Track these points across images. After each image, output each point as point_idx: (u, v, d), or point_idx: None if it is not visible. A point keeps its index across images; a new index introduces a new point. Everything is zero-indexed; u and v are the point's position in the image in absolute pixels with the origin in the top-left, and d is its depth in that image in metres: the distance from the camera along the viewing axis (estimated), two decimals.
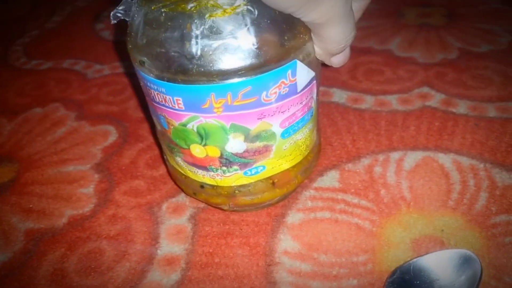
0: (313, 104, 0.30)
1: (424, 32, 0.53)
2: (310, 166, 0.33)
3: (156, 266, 0.31)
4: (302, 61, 0.26)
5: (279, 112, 0.27)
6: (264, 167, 0.29)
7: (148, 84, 0.27)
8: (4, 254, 0.33)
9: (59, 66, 0.57)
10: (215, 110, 0.26)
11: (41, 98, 0.51)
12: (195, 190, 0.32)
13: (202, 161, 0.29)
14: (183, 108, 0.26)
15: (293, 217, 0.33)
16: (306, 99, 0.28)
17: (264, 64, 0.24)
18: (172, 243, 0.32)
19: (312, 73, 0.28)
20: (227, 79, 0.24)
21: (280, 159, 0.29)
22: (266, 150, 0.28)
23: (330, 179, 0.35)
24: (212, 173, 0.29)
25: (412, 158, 0.36)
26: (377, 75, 0.46)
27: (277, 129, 0.27)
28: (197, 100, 0.25)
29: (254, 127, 0.27)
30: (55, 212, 0.36)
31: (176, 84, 0.25)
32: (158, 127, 0.31)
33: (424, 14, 0.57)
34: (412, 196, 0.33)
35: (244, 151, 0.28)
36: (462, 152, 0.36)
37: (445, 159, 0.36)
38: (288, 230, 0.32)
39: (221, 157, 0.28)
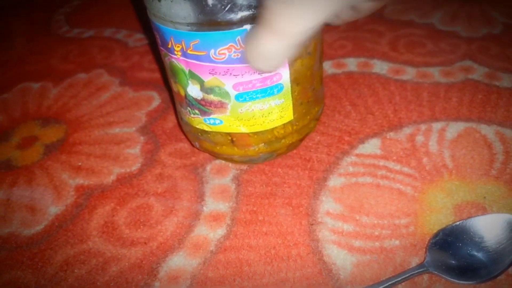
0: (282, 81, 0.29)
1: (467, 7, 0.52)
2: (279, 143, 0.33)
3: (202, 222, 0.32)
4: None
5: (230, 74, 0.28)
6: (221, 121, 0.31)
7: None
8: (57, 207, 0.35)
9: (101, 35, 0.59)
10: (176, 52, 0.29)
11: (85, 64, 0.53)
12: (180, 120, 0.36)
13: (177, 96, 0.33)
14: (160, 43, 0.30)
15: (335, 181, 0.33)
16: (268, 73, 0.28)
17: (209, 22, 0.26)
18: (217, 201, 0.33)
19: None
20: (179, 27, 0.27)
21: (236, 120, 0.31)
22: (221, 105, 0.30)
23: (372, 146, 0.36)
24: (183, 109, 0.33)
25: (455, 128, 0.36)
26: (419, 47, 0.46)
27: (231, 90, 0.29)
28: (163, 39, 0.29)
29: (207, 79, 0.29)
30: (104, 170, 0.38)
31: (152, 20, 0.29)
32: None
33: None
34: (454, 164, 0.33)
35: (201, 99, 0.30)
36: (506, 124, 0.36)
37: (488, 130, 0.36)
38: (330, 193, 0.33)
39: (185, 97, 0.31)
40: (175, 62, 0.29)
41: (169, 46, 0.28)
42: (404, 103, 0.39)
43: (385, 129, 0.37)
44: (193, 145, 0.36)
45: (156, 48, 0.53)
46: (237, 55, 0.27)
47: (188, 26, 0.27)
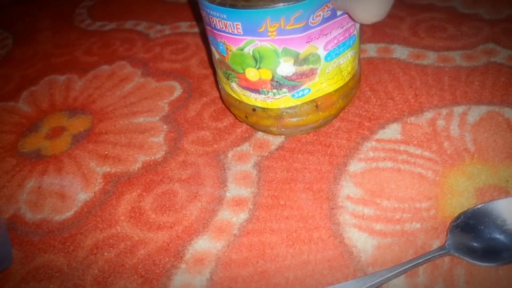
0: (355, 32, 0.33)
1: None
2: (351, 93, 0.36)
3: (225, 206, 0.33)
4: None
5: (323, 34, 0.30)
6: (309, 89, 0.32)
7: (211, 12, 0.30)
8: (86, 194, 0.36)
9: (122, 27, 0.60)
10: (270, 34, 0.29)
11: (108, 56, 0.54)
12: (247, 113, 0.35)
13: (255, 84, 0.32)
14: (242, 33, 0.30)
15: (355, 166, 0.34)
16: (346, 24, 0.31)
17: None
18: (239, 186, 0.34)
19: None
20: (281, 3, 0.28)
21: (323, 82, 0.32)
22: (312, 73, 0.31)
23: (392, 131, 0.36)
24: (263, 95, 0.33)
25: (477, 112, 0.36)
26: (440, 31, 0.46)
27: (322, 52, 0.31)
28: (254, 24, 0.29)
29: (303, 50, 0.30)
30: (129, 158, 0.39)
31: (236, 10, 0.29)
32: (216, 56, 0.34)
33: None
34: (476, 148, 0.33)
35: (292, 74, 0.31)
36: None
37: (511, 114, 0.35)
38: (350, 177, 0.33)
39: (272, 79, 0.32)
40: (266, 45, 0.30)
41: (261, 29, 0.29)
42: (425, 88, 0.39)
43: (406, 114, 0.37)
44: (269, 132, 0.37)
45: (177, 38, 0.54)
46: (328, 13, 0.29)
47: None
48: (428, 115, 0.36)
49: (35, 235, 0.34)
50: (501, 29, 0.44)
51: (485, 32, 0.44)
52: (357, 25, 0.33)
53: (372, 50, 0.45)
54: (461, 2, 0.50)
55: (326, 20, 0.29)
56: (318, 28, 0.29)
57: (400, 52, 0.44)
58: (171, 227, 0.32)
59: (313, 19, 0.29)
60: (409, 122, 0.36)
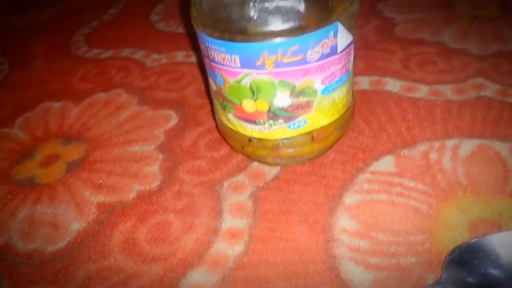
0: (350, 67, 0.33)
1: (477, 24, 0.53)
2: (346, 125, 0.36)
3: (221, 238, 0.33)
4: (343, 24, 0.30)
5: (321, 70, 0.30)
6: (305, 121, 0.33)
7: (209, 45, 0.31)
8: (79, 224, 0.36)
9: (119, 55, 0.60)
10: (267, 66, 0.30)
11: (104, 84, 0.54)
12: (243, 144, 0.36)
13: (252, 116, 0.33)
14: (239, 66, 0.30)
15: (350, 198, 0.34)
16: (344, 60, 0.32)
17: (310, 25, 0.28)
18: (234, 217, 0.34)
19: (350, 38, 0.31)
20: (278, 37, 0.28)
21: (319, 115, 0.33)
22: (308, 105, 0.32)
23: (386, 163, 0.36)
24: (260, 126, 0.33)
25: (468, 145, 0.37)
26: (430, 65, 0.47)
27: (319, 86, 0.31)
28: (251, 58, 0.29)
29: (299, 83, 0.31)
30: (124, 188, 0.39)
31: (234, 43, 0.29)
32: (214, 87, 0.35)
33: (477, 6, 0.57)
34: (469, 181, 0.34)
35: (289, 106, 0.32)
36: None
37: (502, 147, 0.36)
38: (345, 210, 0.33)
39: (269, 111, 0.32)
40: (263, 77, 0.30)
41: (259, 63, 0.29)
42: (417, 121, 0.40)
43: (399, 146, 0.38)
44: (264, 163, 0.38)
45: (174, 68, 0.55)
46: (328, 50, 0.30)
47: (290, 34, 0.28)
48: (421, 148, 0.37)
49: (26, 266, 0.33)
50: (489, 64, 0.46)
51: (473, 66, 0.46)
52: (352, 59, 0.34)
53: (364, 82, 0.46)
54: (450, 37, 0.51)
55: (325, 56, 0.30)
56: (317, 63, 0.30)
57: (392, 85, 0.45)
58: (165, 259, 0.32)
59: (311, 55, 0.29)
60: (402, 154, 0.37)
